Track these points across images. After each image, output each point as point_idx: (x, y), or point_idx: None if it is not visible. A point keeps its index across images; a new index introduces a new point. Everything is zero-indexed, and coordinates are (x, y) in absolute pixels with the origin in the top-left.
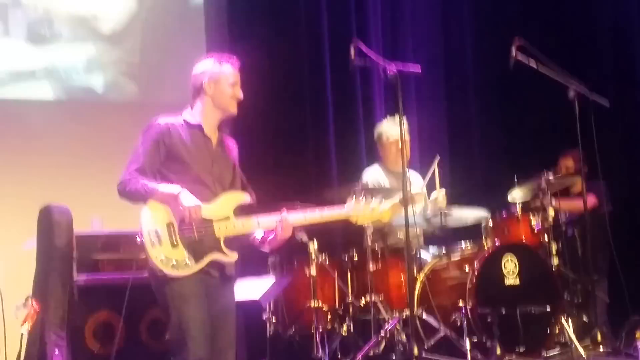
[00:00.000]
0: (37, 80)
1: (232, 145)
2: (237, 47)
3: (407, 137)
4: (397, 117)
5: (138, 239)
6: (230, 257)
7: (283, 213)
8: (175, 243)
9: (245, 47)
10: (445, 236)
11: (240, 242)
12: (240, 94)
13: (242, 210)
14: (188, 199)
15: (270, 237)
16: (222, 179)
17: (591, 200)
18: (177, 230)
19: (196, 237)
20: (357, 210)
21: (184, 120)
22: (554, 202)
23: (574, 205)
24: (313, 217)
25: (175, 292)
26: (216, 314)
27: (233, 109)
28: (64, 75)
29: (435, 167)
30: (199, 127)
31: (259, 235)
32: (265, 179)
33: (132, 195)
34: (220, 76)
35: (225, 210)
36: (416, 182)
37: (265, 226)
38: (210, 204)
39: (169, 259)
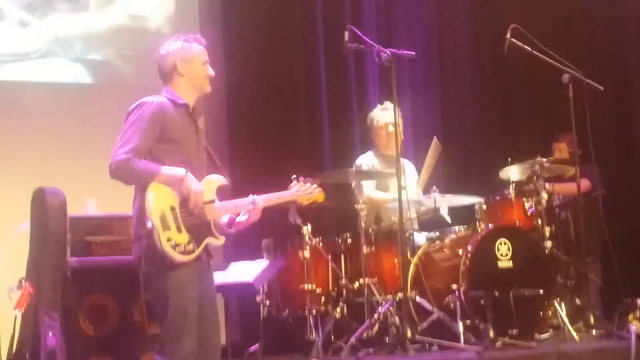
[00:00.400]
0: (31, 62)
1: (202, 128)
2: (230, 30)
3: (399, 121)
4: (389, 103)
5: (149, 223)
6: (221, 240)
7: (254, 197)
8: (179, 227)
9: (238, 31)
10: (439, 220)
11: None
12: (212, 71)
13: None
14: (194, 183)
15: (240, 219)
16: (203, 160)
17: (585, 183)
18: (179, 214)
19: (198, 221)
20: (300, 192)
21: (168, 100)
22: (547, 186)
23: (568, 188)
24: (273, 199)
25: (174, 281)
26: (204, 299)
27: (208, 88)
28: (60, 57)
29: (434, 151)
30: (186, 107)
31: (225, 218)
32: (258, 163)
33: (131, 175)
34: (193, 56)
35: (210, 193)
36: (410, 170)
37: (241, 210)
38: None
39: (177, 244)
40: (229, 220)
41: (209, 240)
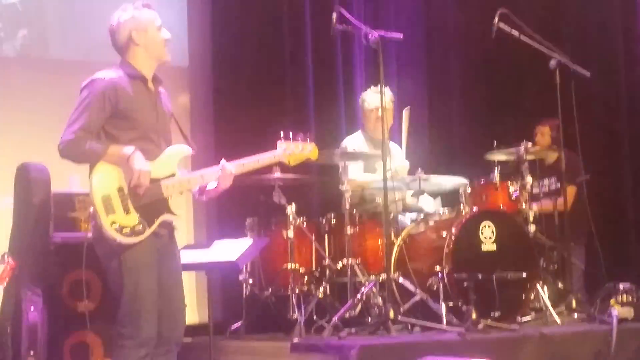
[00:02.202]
0: (16, 37)
1: (166, 94)
2: (218, 7)
3: (390, 105)
4: (379, 85)
5: (91, 208)
6: (176, 215)
7: (222, 162)
8: (127, 209)
9: (225, 12)
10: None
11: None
12: (168, 34)
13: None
14: (139, 162)
15: (210, 187)
16: (165, 132)
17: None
18: (127, 195)
19: (150, 200)
20: (288, 150)
21: (124, 73)
22: (535, 207)
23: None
24: (250, 163)
25: (129, 263)
26: (167, 276)
27: (166, 55)
28: (45, 33)
29: (406, 120)
30: (142, 79)
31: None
32: (243, 144)
33: (79, 156)
34: (147, 23)
35: (171, 167)
36: (397, 154)
37: (209, 179)
38: (156, 161)
39: (123, 226)
40: (199, 188)
41: (165, 217)
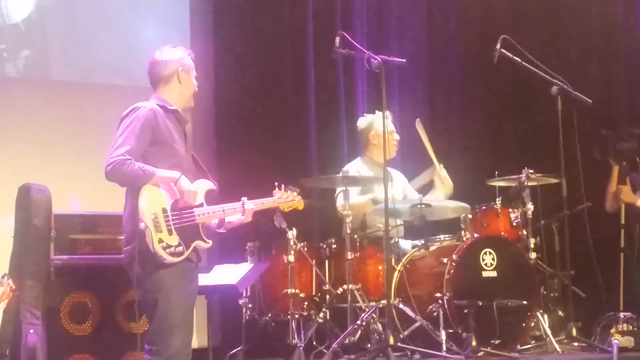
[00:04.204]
0: (17, 57)
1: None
2: (220, 35)
3: (392, 128)
4: (388, 112)
5: (141, 224)
6: (208, 243)
7: (244, 200)
8: (170, 229)
9: (228, 35)
10: (425, 227)
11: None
12: (196, 87)
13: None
14: (188, 184)
15: (230, 219)
16: (191, 166)
17: None
18: (170, 216)
19: (187, 224)
20: (282, 198)
21: (158, 105)
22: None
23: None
24: (259, 204)
25: (165, 281)
26: (190, 301)
27: (192, 102)
28: (48, 54)
29: (421, 130)
30: (176, 113)
31: (214, 220)
32: (245, 168)
33: (127, 176)
34: (190, 67)
35: (200, 197)
36: (398, 179)
37: (229, 214)
38: None
39: (168, 245)
40: (219, 221)
41: (198, 243)
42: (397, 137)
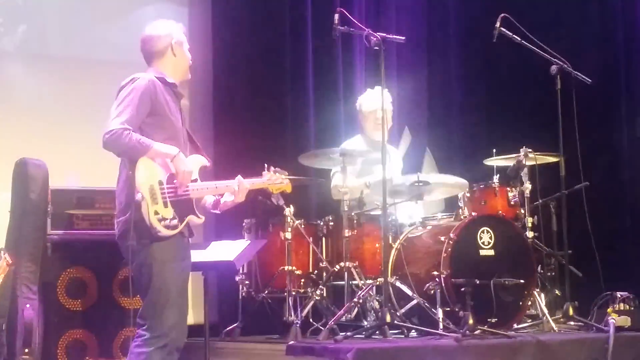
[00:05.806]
0: (16, 32)
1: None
2: (218, 11)
3: (389, 107)
4: (378, 88)
5: (138, 195)
6: (201, 219)
7: (239, 178)
8: (165, 202)
9: (226, 11)
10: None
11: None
12: (190, 59)
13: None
14: (184, 163)
15: (226, 201)
16: (185, 139)
17: None
18: (166, 189)
19: (182, 198)
20: (271, 180)
21: (157, 78)
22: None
23: None
24: (252, 184)
25: (159, 255)
26: (184, 276)
27: (189, 74)
28: (45, 29)
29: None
30: (172, 85)
31: (210, 199)
32: (243, 146)
33: (124, 146)
34: (183, 40)
35: (194, 172)
36: (395, 157)
37: (221, 191)
38: None
39: (164, 217)
40: (214, 202)
41: (191, 218)
42: (379, 114)
